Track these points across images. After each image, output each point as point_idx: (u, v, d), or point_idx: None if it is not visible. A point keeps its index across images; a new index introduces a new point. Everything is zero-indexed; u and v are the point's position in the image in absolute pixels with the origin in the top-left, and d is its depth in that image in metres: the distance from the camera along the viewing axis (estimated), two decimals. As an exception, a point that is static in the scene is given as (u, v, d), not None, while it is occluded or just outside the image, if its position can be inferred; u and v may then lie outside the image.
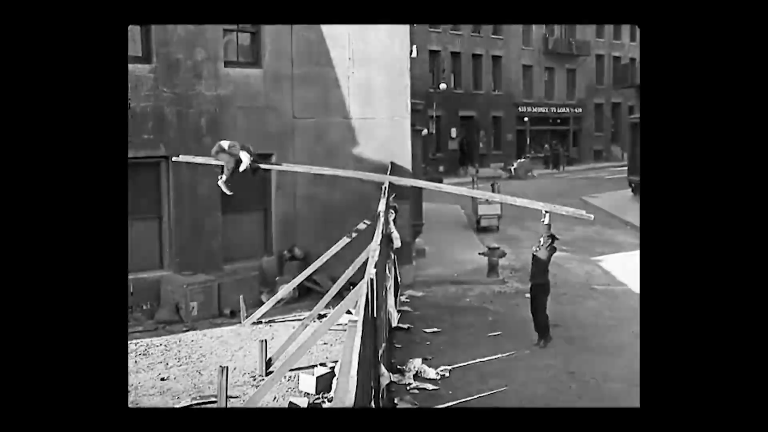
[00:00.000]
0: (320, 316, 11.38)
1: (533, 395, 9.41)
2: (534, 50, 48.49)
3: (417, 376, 9.99)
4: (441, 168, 39.29)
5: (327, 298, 10.84)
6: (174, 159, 12.33)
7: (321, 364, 9.90)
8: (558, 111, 50.30)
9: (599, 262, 18.36)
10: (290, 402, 8.81)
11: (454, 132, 44.22)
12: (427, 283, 15.84)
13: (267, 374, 9.71)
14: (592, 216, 10.17)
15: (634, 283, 14.23)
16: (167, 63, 13.26)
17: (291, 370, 9.34)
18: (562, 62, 50.07)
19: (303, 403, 8.76)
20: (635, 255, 15.11)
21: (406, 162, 15.12)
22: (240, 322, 12.41)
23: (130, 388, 9.07)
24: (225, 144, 11.11)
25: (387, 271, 10.28)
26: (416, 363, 10.33)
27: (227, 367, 8.32)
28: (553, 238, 11.13)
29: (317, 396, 9.13)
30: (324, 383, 9.23)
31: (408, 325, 12.41)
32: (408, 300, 14.34)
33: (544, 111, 49.43)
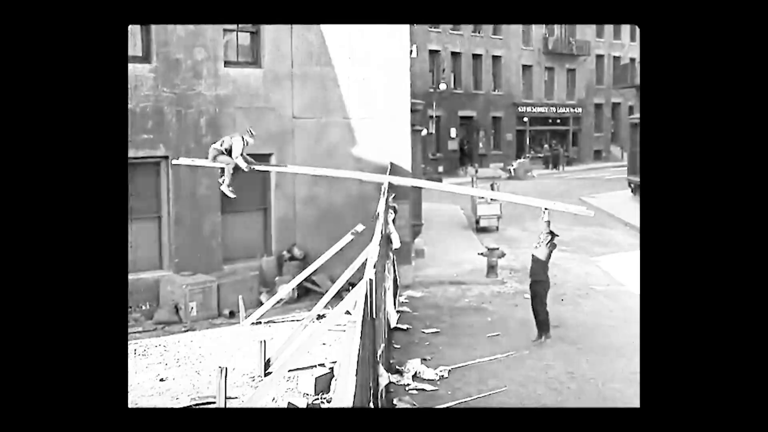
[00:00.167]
0: (319, 317, 11.37)
1: (532, 395, 9.40)
2: (534, 50, 48.49)
3: (416, 377, 9.99)
4: (440, 168, 39.28)
5: (326, 298, 10.83)
6: (174, 162, 12.34)
7: (320, 365, 9.89)
8: (558, 111, 50.29)
9: (599, 263, 18.36)
10: (289, 402, 8.80)
11: (453, 132, 44.21)
12: (426, 283, 15.83)
13: (266, 375, 9.70)
14: (592, 212, 10.17)
15: (633, 284, 14.22)
16: (167, 63, 13.27)
17: (290, 370, 9.33)
18: (562, 62, 50.07)
19: (302, 403, 8.75)
20: (635, 255, 15.11)
21: (405, 162, 15.12)
22: (239, 323, 12.39)
23: (129, 389, 9.06)
24: (217, 145, 11.20)
25: (386, 272, 10.28)
26: (415, 363, 10.33)
27: (226, 368, 8.31)
28: (552, 235, 11.13)
29: (316, 396, 9.12)
30: (323, 384, 9.22)
31: (407, 326, 12.40)
32: (407, 300, 14.34)
33: (543, 111, 49.42)
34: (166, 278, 13.21)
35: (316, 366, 9.83)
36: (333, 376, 9.20)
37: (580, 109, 51.31)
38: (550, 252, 11.31)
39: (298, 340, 9.71)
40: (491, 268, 16.31)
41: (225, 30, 14.09)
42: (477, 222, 22.94)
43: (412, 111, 15.52)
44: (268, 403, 8.95)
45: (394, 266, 12.60)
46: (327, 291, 11.42)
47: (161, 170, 13.52)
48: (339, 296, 10.36)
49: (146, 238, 13.39)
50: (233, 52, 14.52)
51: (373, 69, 14.93)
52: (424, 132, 22.76)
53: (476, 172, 32.39)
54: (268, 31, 14.31)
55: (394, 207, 12.65)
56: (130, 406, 8.39)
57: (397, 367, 10.14)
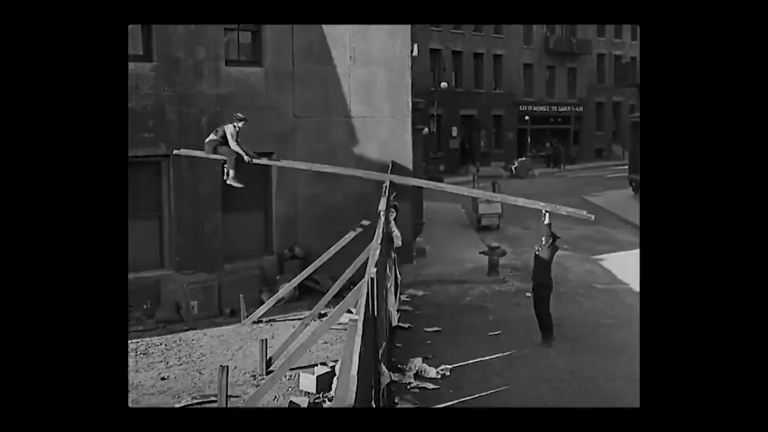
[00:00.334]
0: (321, 316, 11.38)
1: (534, 395, 9.40)
2: (535, 49, 48.45)
3: (417, 376, 9.99)
4: (442, 167, 39.19)
5: (327, 297, 10.83)
6: (175, 151, 12.36)
7: (321, 364, 9.90)
8: (559, 110, 50.25)
9: (600, 261, 18.35)
10: (290, 401, 8.81)
11: (455, 131, 44.18)
12: (428, 282, 15.83)
13: (267, 374, 9.71)
14: (593, 216, 10.17)
15: (634, 282, 14.22)
16: (168, 61, 13.26)
17: (291, 369, 9.34)
18: (563, 61, 50.03)
19: (303, 402, 8.75)
20: (636, 254, 15.10)
21: (406, 161, 15.12)
22: (240, 322, 12.41)
23: (130, 388, 9.07)
24: (212, 136, 11.16)
25: (387, 271, 10.27)
26: (417, 362, 10.33)
27: (227, 367, 8.32)
28: (554, 237, 11.14)
29: (317, 395, 9.13)
30: (324, 382, 9.23)
31: (408, 325, 12.41)
32: (408, 299, 14.34)
33: (545, 110, 49.38)
34: (168, 277, 13.22)
35: (317, 365, 9.84)
36: (334, 374, 9.20)
37: (581, 108, 51.26)
38: (553, 254, 11.32)
39: (299, 339, 9.72)
40: (492, 267, 16.31)
41: (226, 29, 14.07)
42: (478, 221, 22.94)
43: (413, 110, 15.51)
44: (270, 402, 8.96)
45: (395, 265, 12.60)
46: (328, 290, 11.42)
47: (162, 169, 13.52)
48: (340, 295, 10.36)
49: (147, 237, 13.40)
50: (234, 51, 14.52)
51: (374, 68, 14.93)
52: (426, 131, 22.73)
53: (477, 171, 32.38)
54: (269, 30, 14.29)
55: (396, 205, 12.64)
56: (131, 405, 8.40)
57: (398, 365, 10.14)
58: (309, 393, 9.21)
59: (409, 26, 15.43)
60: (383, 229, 9.27)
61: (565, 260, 16.98)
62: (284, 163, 12.86)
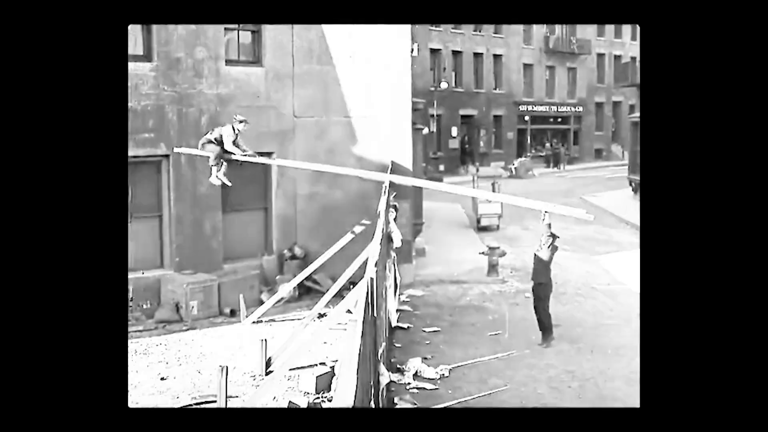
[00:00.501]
0: (320, 316, 11.38)
1: (533, 394, 9.40)
2: (535, 49, 48.45)
3: (417, 376, 9.99)
4: (441, 167, 39.20)
5: (327, 297, 10.83)
6: (175, 149, 12.38)
7: (321, 364, 9.90)
8: (559, 110, 50.26)
9: (599, 261, 18.35)
10: (290, 401, 8.81)
11: (454, 131, 44.19)
12: (427, 282, 15.83)
13: (267, 374, 9.71)
14: (592, 216, 10.17)
15: (634, 282, 14.21)
16: (168, 61, 13.26)
17: (291, 369, 9.34)
18: (563, 61, 50.03)
19: (303, 402, 8.75)
20: (635, 254, 15.11)
21: (406, 161, 15.13)
22: (240, 322, 12.40)
23: (129, 388, 9.07)
24: (207, 135, 11.21)
25: (387, 270, 10.28)
26: (416, 362, 10.33)
27: (227, 367, 8.32)
28: (554, 237, 11.14)
29: (317, 395, 9.13)
30: (324, 382, 9.23)
31: (408, 325, 12.41)
32: (408, 299, 14.34)
33: (544, 110, 49.39)
34: (167, 277, 13.22)
35: (317, 365, 9.84)
36: (334, 374, 9.20)
37: (581, 108, 51.27)
38: (553, 254, 11.32)
39: (299, 339, 9.72)
40: (492, 267, 16.32)
41: (226, 29, 14.08)
42: (478, 221, 22.95)
43: (413, 110, 15.52)
44: (269, 402, 8.96)
45: (394, 265, 12.60)
46: (328, 290, 11.42)
47: (162, 169, 13.52)
48: (340, 295, 10.37)
49: (147, 237, 13.40)
50: (234, 51, 14.52)
51: (374, 68, 14.92)
52: (425, 131, 22.74)
53: (477, 170, 32.38)
54: (269, 29, 14.30)
55: (395, 205, 12.64)
56: (130, 405, 8.40)
57: (398, 365, 10.14)
58: (308, 393, 9.21)
59: (409, 26, 15.43)
60: (383, 229, 9.27)
61: (564, 260, 16.97)
62: (280, 161, 12.88)
